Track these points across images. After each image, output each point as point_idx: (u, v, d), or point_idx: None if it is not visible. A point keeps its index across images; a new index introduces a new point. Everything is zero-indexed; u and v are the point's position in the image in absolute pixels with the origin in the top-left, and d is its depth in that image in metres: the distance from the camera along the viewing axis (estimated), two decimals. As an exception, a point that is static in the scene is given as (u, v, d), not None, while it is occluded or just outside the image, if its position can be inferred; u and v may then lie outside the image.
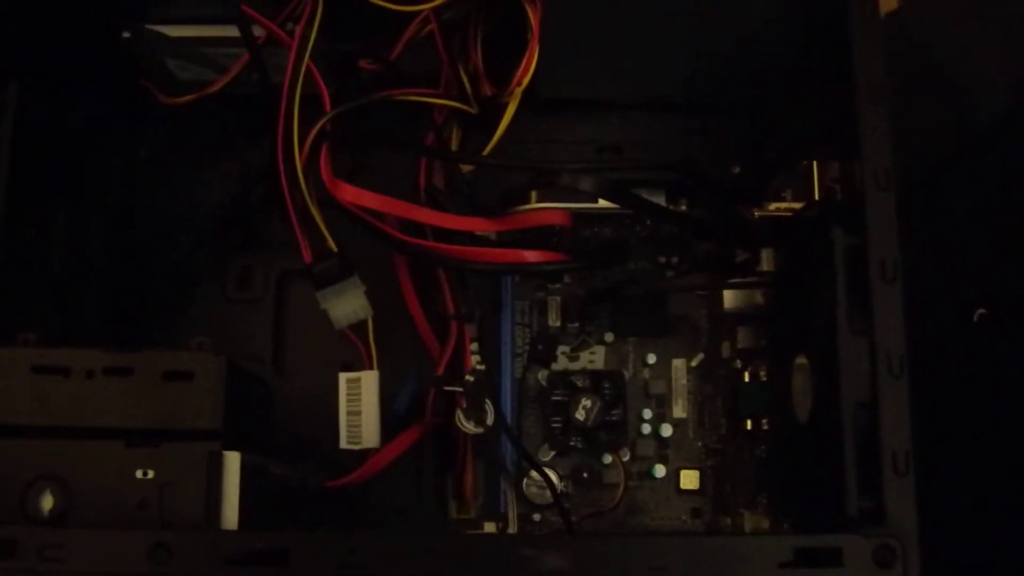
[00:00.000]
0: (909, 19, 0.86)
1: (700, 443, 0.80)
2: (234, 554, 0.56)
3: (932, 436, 0.61)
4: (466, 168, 0.73)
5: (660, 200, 0.76)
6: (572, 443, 0.79)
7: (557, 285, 0.82)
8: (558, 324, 0.81)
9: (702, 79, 0.79)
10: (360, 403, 0.71)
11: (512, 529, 0.76)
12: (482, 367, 0.72)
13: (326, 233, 0.68)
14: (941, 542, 0.61)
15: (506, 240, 0.71)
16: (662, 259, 0.82)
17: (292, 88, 0.66)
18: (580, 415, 0.78)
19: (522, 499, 0.78)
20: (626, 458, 0.79)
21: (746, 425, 0.78)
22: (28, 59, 0.70)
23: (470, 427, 0.71)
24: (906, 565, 0.57)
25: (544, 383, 0.80)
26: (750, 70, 0.77)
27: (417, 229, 0.70)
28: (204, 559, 0.56)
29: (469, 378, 0.71)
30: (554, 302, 0.82)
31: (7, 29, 0.68)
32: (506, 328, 0.79)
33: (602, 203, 0.73)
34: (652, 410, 0.80)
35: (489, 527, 0.76)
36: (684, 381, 0.81)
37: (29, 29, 0.70)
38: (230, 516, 0.60)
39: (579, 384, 0.79)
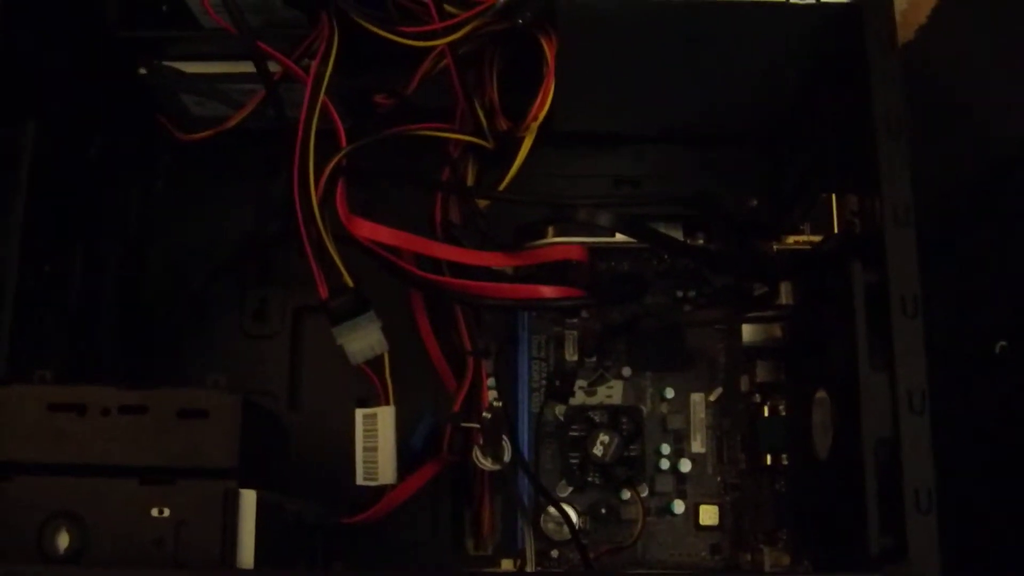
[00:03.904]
0: (925, 49, 0.85)
1: (719, 478, 0.80)
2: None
3: (954, 472, 0.60)
4: (482, 203, 0.73)
5: (677, 234, 0.75)
6: (590, 479, 0.79)
7: (574, 319, 0.81)
8: (575, 359, 0.81)
9: (718, 112, 0.79)
10: (377, 439, 0.71)
11: (530, 566, 0.75)
12: (499, 403, 0.72)
13: (342, 268, 0.67)
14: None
15: (522, 275, 0.71)
16: (679, 293, 0.81)
17: (308, 123, 0.66)
18: (598, 450, 0.77)
19: (540, 535, 0.77)
20: (644, 494, 0.79)
21: (765, 460, 0.77)
22: (46, 95, 0.70)
23: (487, 464, 0.71)
24: (930, 604, 0.56)
25: (561, 418, 0.80)
26: (766, 103, 0.77)
27: (433, 264, 0.70)
28: (219, 599, 0.56)
29: (486, 415, 0.70)
30: (571, 336, 0.81)
31: (25, 67, 0.68)
32: (523, 363, 0.79)
33: (619, 237, 0.73)
34: (670, 445, 0.80)
35: (507, 564, 0.76)
36: (702, 416, 0.80)
37: (46, 67, 0.70)
38: (246, 555, 0.60)
39: (596, 419, 0.79)
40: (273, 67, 0.69)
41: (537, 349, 0.81)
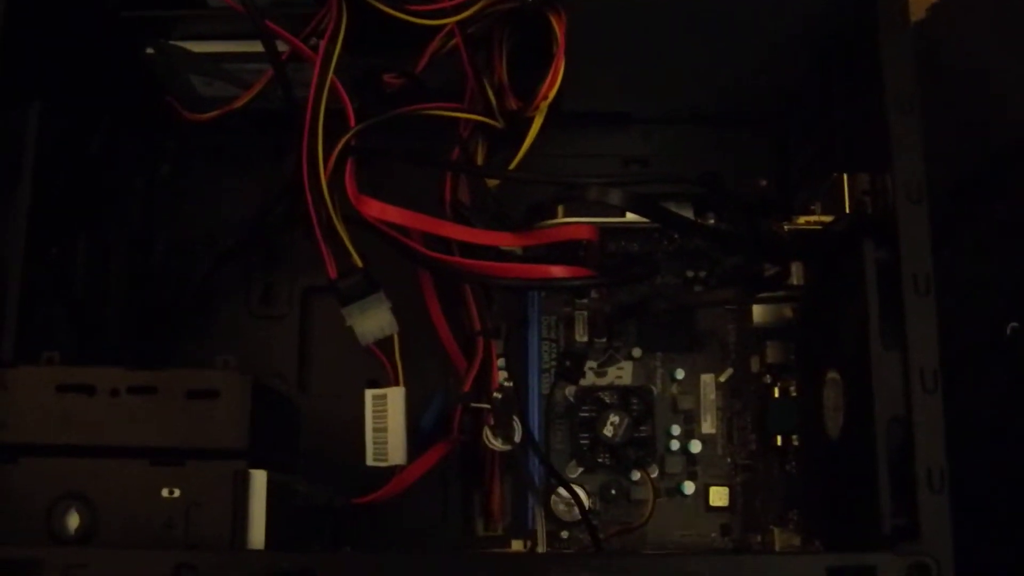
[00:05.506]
0: (936, 26, 0.85)
1: (729, 459, 0.79)
2: (260, 575, 0.55)
3: (966, 452, 0.60)
4: (492, 183, 0.73)
5: (688, 214, 0.75)
6: (600, 460, 0.78)
7: (584, 300, 0.81)
8: (585, 339, 0.81)
9: (728, 90, 0.78)
10: (386, 420, 0.71)
11: (540, 546, 0.75)
12: (509, 383, 0.71)
13: (351, 249, 0.67)
14: (976, 560, 0.60)
15: (532, 255, 0.71)
16: (690, 273, 0.81)
17: (316, 103, 0.66)
18: (608, 431, 0.77)
19: (550, 516, 0.77)
20: (654, 475, 0.79)
21: (776, 441, 0.77)
22: (49, 77, 0.70)
23: (497, 444, 0.70)
24: (941, 584, 0.56)
25: (572, 399, 0.80)
26: (777, 81, 0.76)
27: (443, 244, 0.70)
28: (230, 580, 0.56)
29: (496, 395, 0.70)
30: (581, 317, 0.81)
31: (30, 48, 0.68)
32: (533, 343, 0.79)
33: (629, 217, 0.73)
34: (680, 426, 0.79)
35: (517, 545, 0.75)
36: (713, 397, 0.80)
37: (51, 47, 0.70)
38: (256, 535, 0.60)
39: (607, 400, 0.78)
40: (281, 46, 0.69)
41: (547, 330, 0.81)
